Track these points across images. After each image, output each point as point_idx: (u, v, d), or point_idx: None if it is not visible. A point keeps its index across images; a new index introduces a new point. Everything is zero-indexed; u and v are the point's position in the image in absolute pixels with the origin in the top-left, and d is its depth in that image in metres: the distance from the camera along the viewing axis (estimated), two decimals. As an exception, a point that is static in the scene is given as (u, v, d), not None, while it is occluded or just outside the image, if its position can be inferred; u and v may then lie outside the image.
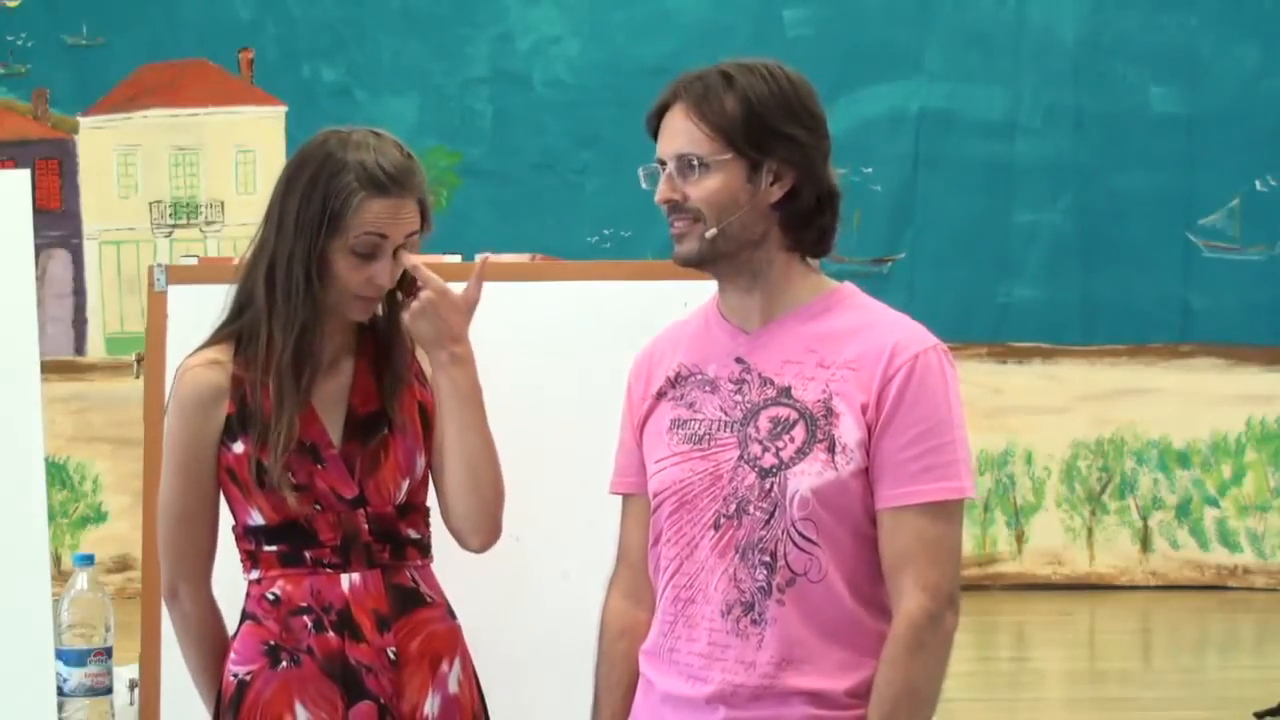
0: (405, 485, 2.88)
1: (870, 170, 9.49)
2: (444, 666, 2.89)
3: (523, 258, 3.95)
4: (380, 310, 2.93)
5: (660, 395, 2.73)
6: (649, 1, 9.79)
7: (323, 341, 2.86)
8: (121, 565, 8.81)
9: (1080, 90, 9.78)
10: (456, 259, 3.81)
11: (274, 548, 2.86)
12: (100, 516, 9.59)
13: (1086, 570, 9.78)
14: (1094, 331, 9.80)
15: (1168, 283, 9.75)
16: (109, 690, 3.45)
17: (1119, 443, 9.80)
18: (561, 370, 3.69)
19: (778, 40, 9.46)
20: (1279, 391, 9.80)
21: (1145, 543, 9.79)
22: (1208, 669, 8.54)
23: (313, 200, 2.81)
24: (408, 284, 2.88)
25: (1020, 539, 9.77)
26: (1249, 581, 9.73)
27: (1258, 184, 9.76)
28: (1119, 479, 9.80)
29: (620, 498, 2.83)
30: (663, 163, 2.67)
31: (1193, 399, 9.76)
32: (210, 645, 2.94)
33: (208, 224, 9.81)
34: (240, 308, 2.90)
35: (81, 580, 3.41)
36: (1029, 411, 9.65)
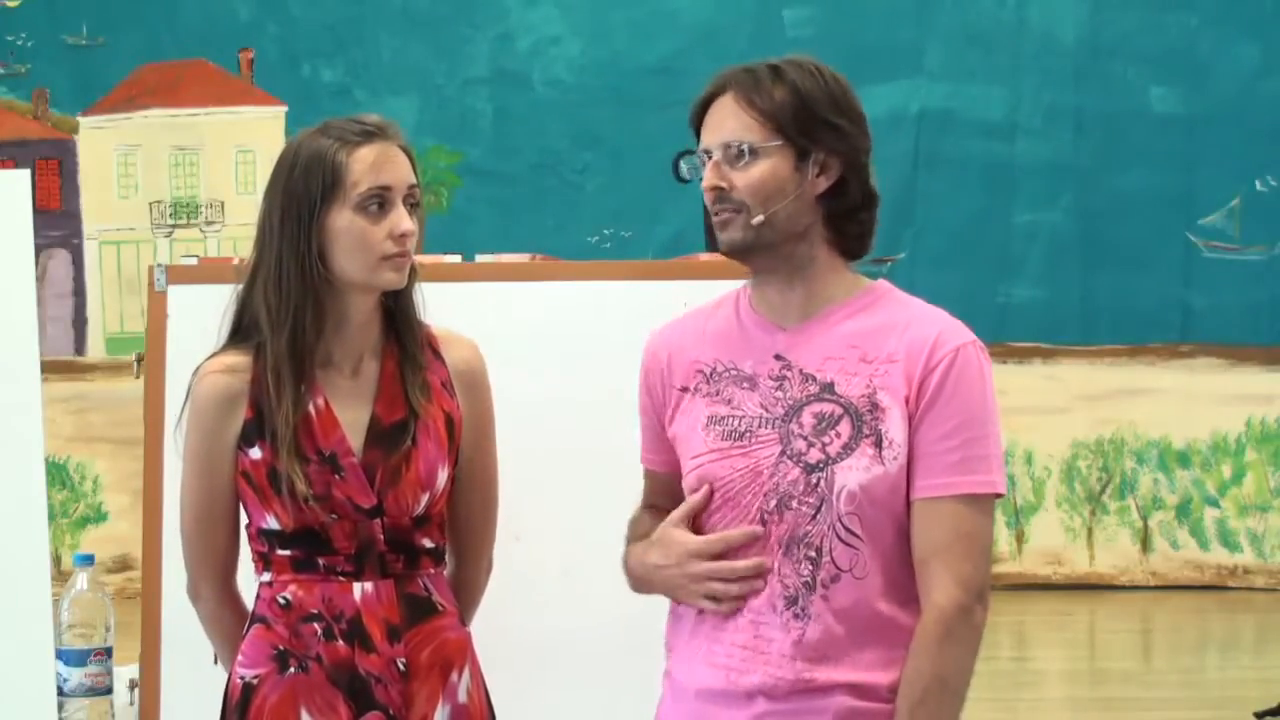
0: (425, 499, 2.84)
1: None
2: (454, 676, 2.86)
3: (523, 258, 3.95)
4: (395, 303, 2.87)
5: (692, 390, 2.72)
6: (649, 1, 9.79)
7: (331, 335, 2.83)
8: (121, 565, 8.81)
9: (1080, 90, 9.79)
10: (457, 259, 3.82)
11: (287, 552, 2.83)
12: (100, 516, 9.59)
13: (1086, 570, 9.78)
14: (1094, 331, 9.80)
15: (1168, 283, 9.76)
16: (109, 690, 3.45)
17: (1119, 443, 9.80)
18: (561, 370, 3.69)
19: (778, 40, 9.46)
20: (1279, 391, 9.80)
21: (1145, 543, 9.79)
22: (1208, 669, 8.54)
23: (295, 183, 2.77)
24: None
25: (1020, 539, 9.77)
26: (1249, 581, 9.73)
27: (1258, 184, 9.76)
28: (1119, 479, 9.80)
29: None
30: (708, 154, 2.67)
31: (1193, 399, 9.76)
32: (237, 642, 2.91)
33: (208, 224, 9.82)
34: (239, 320, 2.86)
35: (81, 580, 3.41)
36: (1029, 411, 9.64)
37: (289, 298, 2.78)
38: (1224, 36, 9.77)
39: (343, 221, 2.77)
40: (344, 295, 2.82)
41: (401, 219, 2.78)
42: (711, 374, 2.71)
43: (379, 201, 2.77)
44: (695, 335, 2.77)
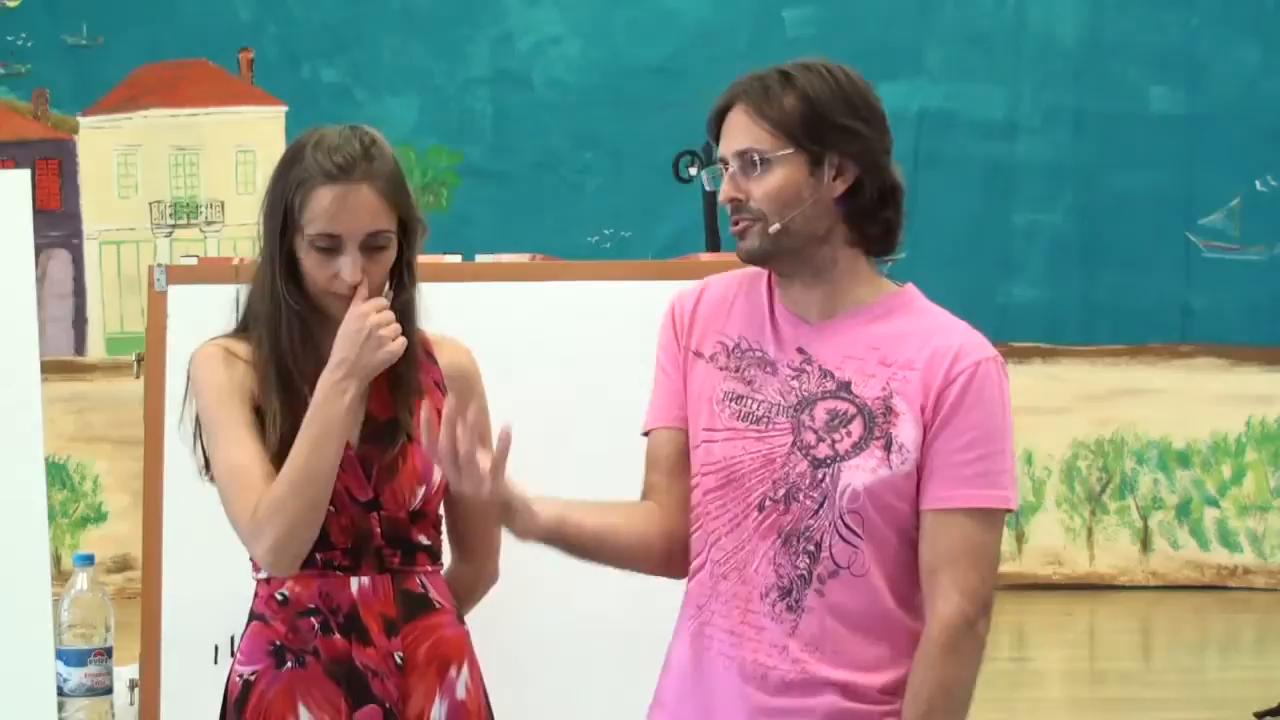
0: (421, 493, 2.86)
1: (870, 170, 9.48)
2: (452, 672, 2.88)
3: (523, 258, 3.95)
4: (396, 307, 2.89)
5: (709, 359, 2.72)
6: (649, 1, 9.79)
7: (324, 339, 2.83)
8: (121, 565, 8.81)
9: (1080, 90, 9.79)
10: (457, 259, 3.82)
11: None
12: (100, 516, 9.59)
13: (1086, 570, 9.78)
14: (1094, 331, 9.81)
15: (1168, 283, 9.76)
16: (109, 690, 3.45)
17: (1119, 443, 9.80)
18: (561, 370, 3.69)
19: (778, 40, 9.46)
20: (1279, 391, 9.80)
21: (1145, 543, 9.79)
22: (1208, 669, 8.54)
23: (274, 193, 2.82)
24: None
25: (1020, 539, 9.77)
26: (1249, 581, 9.73)
27: (1258, 184, 9.77)
28: (1119, 479, 9.80)
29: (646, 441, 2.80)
30: (725, 162, 2.69)
31: (1193, 399, 9.76)
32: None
33: (208, 224, 9.82)
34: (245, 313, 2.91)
35: (81, 580, 3.41)
36: (1029, 411, 9.62)
37: (265, 302, 2.84)
38: (1224, 36, 9.77)
39: (300, 250, 2.81)
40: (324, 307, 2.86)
41: (346, 268, 2.78)
42: (734, 349, 2.72)
43: (326, 244, 2.79)
44: (720, 305, 2.76)
